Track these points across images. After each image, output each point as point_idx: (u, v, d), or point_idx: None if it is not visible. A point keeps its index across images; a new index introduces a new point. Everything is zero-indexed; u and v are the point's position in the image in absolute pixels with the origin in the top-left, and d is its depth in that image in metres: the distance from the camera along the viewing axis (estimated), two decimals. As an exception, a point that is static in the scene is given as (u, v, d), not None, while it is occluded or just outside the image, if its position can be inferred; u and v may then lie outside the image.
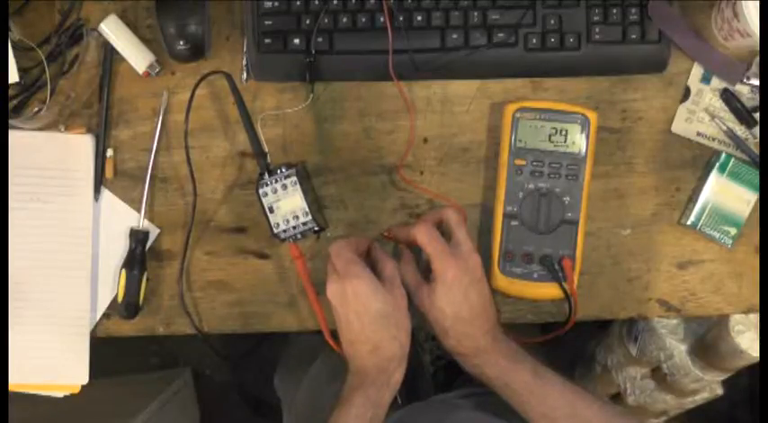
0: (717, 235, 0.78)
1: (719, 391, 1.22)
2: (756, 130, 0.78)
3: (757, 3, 0.71)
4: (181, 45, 0.75)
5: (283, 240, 0.75)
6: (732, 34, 0.76)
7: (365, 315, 0.69)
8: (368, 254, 0.76)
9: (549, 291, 0.77)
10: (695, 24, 0.79)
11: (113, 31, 0.78)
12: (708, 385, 1.20)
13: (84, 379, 0.79)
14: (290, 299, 0.80)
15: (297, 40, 0.77)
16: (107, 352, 0.81)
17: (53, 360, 0.79)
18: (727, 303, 0.80)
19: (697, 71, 0.79)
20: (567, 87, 0.79)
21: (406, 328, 0.71)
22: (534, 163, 0.76)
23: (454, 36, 0.77)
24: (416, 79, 0.79)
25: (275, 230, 0.75)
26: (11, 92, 0.77)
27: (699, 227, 0.78)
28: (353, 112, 0.80)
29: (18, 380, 0.79)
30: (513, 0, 0.77)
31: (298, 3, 0.77)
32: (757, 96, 0.78)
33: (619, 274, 0.80)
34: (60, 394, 0.81)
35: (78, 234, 0.79)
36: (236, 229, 0.80)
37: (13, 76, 0.75)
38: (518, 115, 0.76)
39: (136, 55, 0.78)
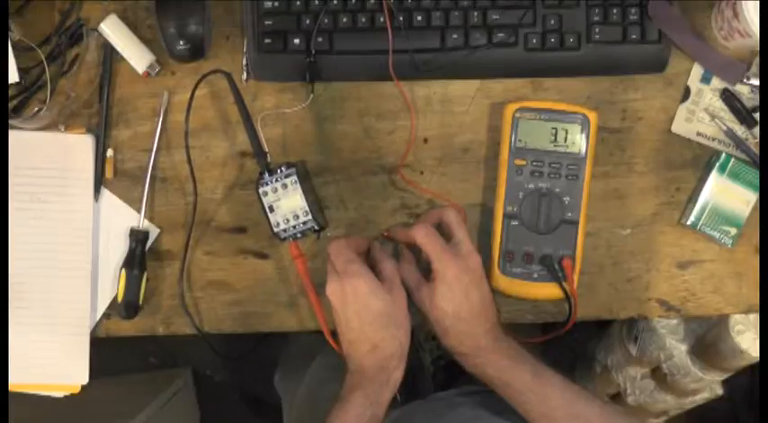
0: (717, 235, 0.78)
1: (719, 391, 1.22)
2: (756, 130, 0.78)
3: (757, 3, 0.71)
4: (181, 45, 0.75)
5: (283, 240, 0.75)
6: (732, 34, 0.76)
7: (365, 314, 0.69)
8: (367, 254, 0.76)
9: (549, 291, 0.77)
10: (695, 24, 0.79)
11: (113, 31, 0.78)
12: (708, 385, 1.20)
13: (84, 379, 0.79)
14: (290, 299, 0.80)
15: (297, 40, 0.77)
16: (107, 352, 0.81)
17: (53, 360, 0.79)
18: (727, 303, 0.80)
19: (697, 71, 0.79)
20: (567, 87, 0.79)
21: (405, 327, 0.71)
22: (534, 163, 0.76)
23: (454, 36, 0.77)
24: (416, 79, 0.79)
25: (275, 229, 0.75)
26: (11, 92, 0.77)
27: (699, 227, 0.78)
28: (353, 112, 0.80)
29: (18, 380, 0.79)
30: (513, 0, 0.77)
31: (298, 3, 0.77)
32: (757, 96, 0.78)
33: (619, 274, 0.80)
34: (60, 394, 0.81)
35: (78, 234, 0.79)
36: (236, 228, 0.80)
37: (13, 76, 0.75)
38: (518, 115, 0.76)
39: (136, 55, 0.78)
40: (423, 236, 0.72)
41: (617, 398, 1.32)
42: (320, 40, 0.77)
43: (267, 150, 0.76)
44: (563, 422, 0.70)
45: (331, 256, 0.71)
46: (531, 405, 0.70)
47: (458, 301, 0.71)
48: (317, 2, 0.77)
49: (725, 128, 0.78)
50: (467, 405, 0.82)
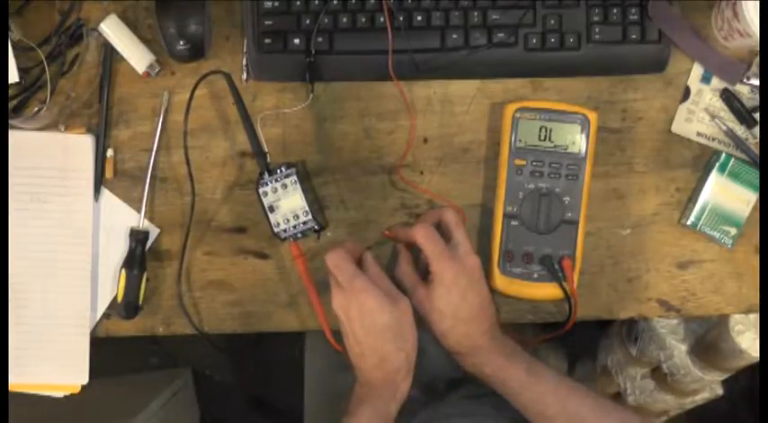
0: (717, 235, 0.78)
1: (719, 391, 1.22)
2: (756, 130, 0.78)
3: (757, 3, 0.71)
4: (181, 45, 0.75)
5: (284, 240, 0.75)
6: (732, 34, 0.76)
7: (371, 328, 0.69)
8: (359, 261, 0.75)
9: (549, 291, 0.77)
10: (695, 24, 0.79)
11: (113, 31, 0.78)
12: (708, 385, 1.20)
13: (84, 379, 0.79)
14: (290, 299, 0.80)
15: (297, 40, 0.77)
16: (107, 352, 0.81)
17: (53, 360, 0.79)
18: (727, 303, 0.80)
19: (697, 71, 0.79)
20: (567, 87, 0.79)
21: (412, 339, 0.71)
22: (534, 163, 0.76)
23: (454, 36, 0.77)
24: (416, 79, 0.79)
25: (275, 229, 0.75)
26: (11, 92, 0.77)
27: (699, 227, 0.78)
28: (353, 112, 0.80)
29: (18, 380, 0.79)
30: (513, 0, 0.77)
31: (298, 3, 0.77)
32: (757, 96, 0.78)
33: (619, 274, 0.80)
34: (60, 394, 0.81)
35: (78, 234, 0.79)
36: (236, 228, 0.80)
37: (13, 76, 0.75)
38: (518, 115, 0.76)
39: (136, 55, 0.78)
40: (422, 236, 0.72)
41: (617, 398, 1.32)
42: (320, 40, 0.77)
43: (267, 150, 0.76)
44: (557, 419, 0.70)
45: (331, 269, 0.71)
46: (526, 403, 0.71)
47: (455, 303, 0.71)
48: (316, 2, 0.77)
49: (725, 128, 0.78)
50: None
